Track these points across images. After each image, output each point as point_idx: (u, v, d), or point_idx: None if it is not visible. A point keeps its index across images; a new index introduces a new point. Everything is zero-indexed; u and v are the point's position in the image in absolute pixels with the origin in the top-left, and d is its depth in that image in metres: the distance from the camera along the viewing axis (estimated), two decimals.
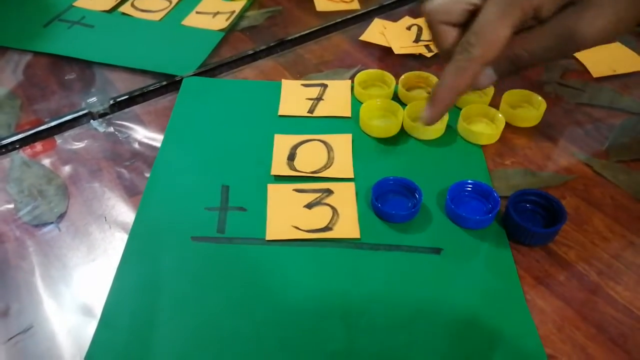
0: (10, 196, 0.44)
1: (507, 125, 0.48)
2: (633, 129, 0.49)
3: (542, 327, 0.35)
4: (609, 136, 0.49)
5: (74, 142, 0.48)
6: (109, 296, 0.36)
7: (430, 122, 0.35)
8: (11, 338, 0.34)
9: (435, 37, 0.34)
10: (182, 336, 0.34)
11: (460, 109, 0.49)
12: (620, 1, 0.29)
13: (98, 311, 0.35)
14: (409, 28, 0.62)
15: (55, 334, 0.35)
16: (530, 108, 0.51)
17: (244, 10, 0.66)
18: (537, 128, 0.49)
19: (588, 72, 0.56)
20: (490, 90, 0.51)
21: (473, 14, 0.32)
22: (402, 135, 0.48)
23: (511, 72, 0.33)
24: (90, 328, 0.34)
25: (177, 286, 0.37)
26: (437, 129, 0.47)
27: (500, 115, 0.48)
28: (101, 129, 0.50)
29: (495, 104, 0.50)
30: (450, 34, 0.34)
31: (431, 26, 0.34)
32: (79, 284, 0.38)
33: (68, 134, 0.49)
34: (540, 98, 0.50)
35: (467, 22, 0.33)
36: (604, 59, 0.57)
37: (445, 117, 0.47)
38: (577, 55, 0.58)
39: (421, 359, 0.33)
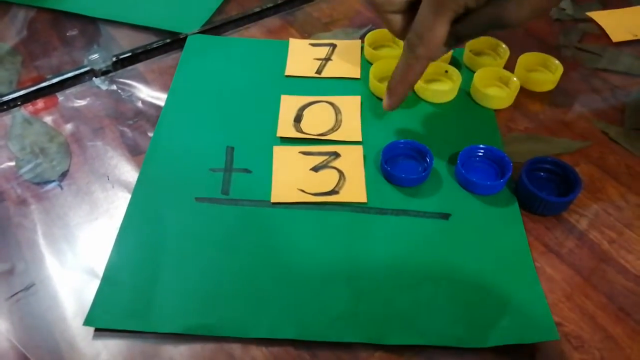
0: (12, 153, 0.43)
1: (522, 90, 0.46)
2: None
3: (550, 295, 0.34)
4: (626, 103, 0.47)
5: (76, 100, 0.47)
6: (112, 254, 0.36)
7: (390, 109, 0.41)
8: (13, 295, 0.34)
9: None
10: (185, 294, 0.34)
11: (474, 72, 0.47)
12: None
13: (100, 270, 0.35)
14: None
15: (57, 292, 0.34)
16: (546, 72, 0.49)
17: None
18: (552, 93, 0.48)
19: (607, 36, 0.54)
20: (505, 53, 0.49)
21: (414, 2, 0.37)
22: (413, 97, 0.47)
23: (456, 44, 0.37)
24: (92, 286, 0.34)
25: (179, 245, 0.36)
26: (449, 91, 0.46)
27: (515, 79, 0.46)
28: (104, 87, 0.49)
29: (510, 66, 0.48)
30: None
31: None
32: (81, 242, 0.37)
33: (70, 91, 0.48)
34: (557, 62, 0.48)
35: (411, 7, 0.38)
36: (624, 23, 0.55)
37: (458, 79, 0.46)
38: (596, 18, 0.56)
39: (426, 321, 0.33)
